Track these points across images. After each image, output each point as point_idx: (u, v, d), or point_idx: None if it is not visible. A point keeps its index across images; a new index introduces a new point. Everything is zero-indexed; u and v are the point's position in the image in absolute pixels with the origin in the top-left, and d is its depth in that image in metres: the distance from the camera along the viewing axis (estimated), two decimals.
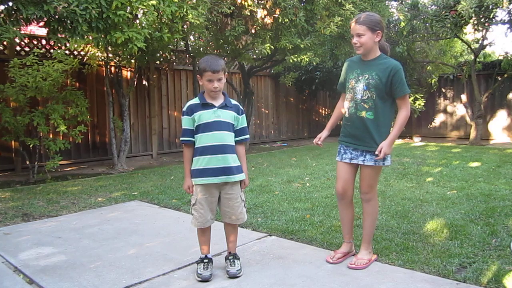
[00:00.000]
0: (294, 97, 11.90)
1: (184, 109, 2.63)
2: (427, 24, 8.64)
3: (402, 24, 9.21)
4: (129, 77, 7.81)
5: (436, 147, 8.80)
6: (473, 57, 9.63)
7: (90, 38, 5.62)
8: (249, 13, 6.80)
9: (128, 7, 4.80)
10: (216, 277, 2.61)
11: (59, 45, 4.96)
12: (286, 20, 6.94)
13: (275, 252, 3.00)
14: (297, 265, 2.77)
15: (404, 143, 9.99)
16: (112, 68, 7.36)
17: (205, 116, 2.58)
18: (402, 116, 2.67)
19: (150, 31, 5.35)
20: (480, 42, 9.64)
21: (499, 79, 9.73)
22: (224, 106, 2.62)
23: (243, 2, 6.63)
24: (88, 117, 6.41)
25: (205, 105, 2.59)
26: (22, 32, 4.99)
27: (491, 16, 7.66)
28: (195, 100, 2.65)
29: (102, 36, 4.97)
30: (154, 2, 4.99)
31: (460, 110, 10.65)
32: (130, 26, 5.01)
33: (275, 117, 11.41)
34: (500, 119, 10.13)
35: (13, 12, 4.38)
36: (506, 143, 9.54)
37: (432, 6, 8.87)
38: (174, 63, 8.83)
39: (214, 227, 2.77)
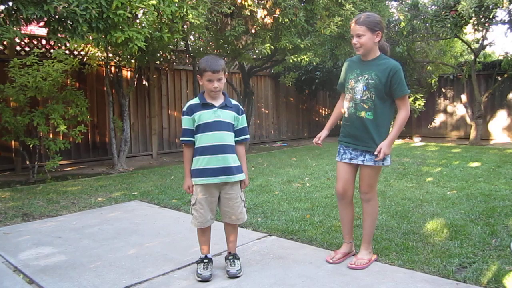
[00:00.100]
0: (294, 97, 11.90)
1: (184, 109, 2.64)
2: (427, 24, 8.64)
3: (402, 24, 9.21)
4: (129, 77, 7.81)
5: (436, 147, 8.80)
6: (473, 57, 9.63)
7: (90, 38, 5.62)
8: (249, 13, 6.81)
9: (128, 7, 4.80)
10: (216, 277, 2.61)
11: (59, 45, 4.95)
12: (286, 20, 6.94)
13: (275, 252, 3.00)
14: (297, 265, 2.77)
15: (404, 143, 9.99)
16: (112, 68, 7.36)
17: (205, 116, 2.58)
18: (401, 117, 2.67)
19: (150, 31, 5.35)
20: (480, 42, 9.65)
21: (499, 79, 9.73)
22: (224, 106, 2.62)
23: (243, 2, 6.63)
24: (88, 117, 6.41)
25: (205, 105, 2.59)
26: (22, 32, 4.98)
27: (491, 16, 7.66)
28: (195, 100, 2.65)
29: (102, 36, 4.97)
30: (154, 2, 4.99)
31: (460, 110, 10.66)
32: (130, 25, 5.01)
33: (275, 117, 11.41)
34: (500, 119, 10.13)
35: (13, 12, 4.38)
36: (506, 143, 9.54)
37: (432, 6, 8.87)
38: (174, 63, 8.83)
39: (214, 227, 2.77)
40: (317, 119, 12.64)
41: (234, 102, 2.72)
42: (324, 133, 2.93)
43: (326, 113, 12.61)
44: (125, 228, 3.65)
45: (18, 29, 4.58)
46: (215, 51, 8.07)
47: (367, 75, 2.68)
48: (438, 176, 5.52)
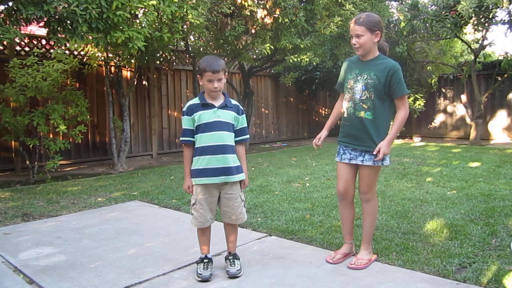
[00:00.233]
0: (294, 97, 11.90)
1: (184, 109, 2.64)
2: (427, 24, 8.64)
3: (402, 24, 9.21)
4: (129, 77, 7.81)
5: (436, 147, 8.80)
6: (473, 57, 9.63)
7: (90, 38, 5.62)
8: (249, 13, 6.81)
9: (128, 7, 4.80)
10: (216, 277, 2.61)
11: (59, 45, 4.95)
12: (286, 20, 6.94)
13: (275, 252, 3.00)
14: (297, 265, 2.77)
15: (404, 143, 9.99)
16: (112, 68, 7.36)
17: (205, 116, 2.58)
18: (400, 116, 2.67)
19: (150, 31, 5.35)
20: (480, 42, 9.65)
21: (499, 79, 9.73)
22: (224, 106, 2.62)
23: (243, 2, 6.63)
24: (88, 117, 6.41)
25: (205, 105, 2.59)
26: (22, 32, 4.98)
27: (490, 16, 7.66)
28: (195, 100, 2.65)
29: (102, 36, 4.97)
30: (154, 2, 4.99)
31: (460, 110, 10.65)
32: (130, 25, 5.01)
33: (275, 117, 11.41)
34: (500, 119, 10.13)
35: (13, 12, 4.38)
36: (506, 143, 9.54)
37: (432, 6, 8.86)
38: (174, 63, 8.83)
39: (214, 227, 2.77)
40: (317, 119, 12.64)
41: (234, 102, 2.71)
42: (323, 133, 2.93)
43: (326, 113, 12.62)
44: (125, 228, 3.65)
45: (18, 29, 4.58)
46: (215, 51, 8.07)
47: (366, 75, 2.68)
48: (438, 176, 5.52)
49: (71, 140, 6.46)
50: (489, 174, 5.56)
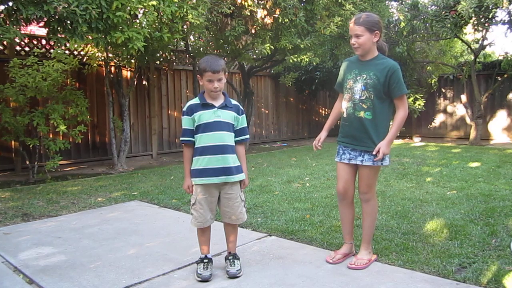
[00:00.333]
0: (294, 97, 11.90)
1: (184, 109, 2.64)
2: (427, 24, 8.64)
3: (402, 24, 9.21)
4: (129, 77, 7.81)
5: (436, 147, 8.80)
6: (473, 57, 9.63)
7: (90, 38, 5.62)
8: (249, 13, 6.81)
9: (128, 7, 4.80)
10: (216, 277, 2.61)
11: (59, 45, 4.95)
12: (286, 20, 6.94)
13: (275, 252, 3.00)
14: (297, 265, 2.77)
15: (404, 143, 9.99)
16: (112, 68, 7.35)
17: (205, 116, 2.58)
18: (400, 116, 2.68)
19: (150, 31, 5.36)
20: (480, 42, 9.65)
21: (499, 79, 9.73)
22: (224, 106, 2.62)
23: (243, 2, 6.63)
24: (88, 117, 6.41)
25: (205, 105, 2.59)
26: (22, 32, 4.99)
27: (490, 16, 7.66)
28: (195, 100, 2.65)
29: (102, 36, 4.97)
30: (154, 3, 4.99)
31: (460, 110, 10.65)
32: (130, 26, 5.01)
33: (275, 117, 11.41)
34: (500, 119, 10.13)
35: (13, 12, 4.38)
36: (506, 143, 9.54)
37: (432, 6, 8.87)
38: (174, 63, 8.83)
39: (214, 227, 2.77)
40: (317, 119, 12.65)
41: (234, 102, 2.72)
42: (323, 134, 2.93)
43: (326, 113, 12.62)
44: (125, 228, 3.65)
45: (18, 29, 4.58)
46: (215, 51, 8.07)
47: (366, 75, 2.68)
48: (438, 176, 5.52)
49: (71, 140, 6.46)
50: (489, 174, 5.56)
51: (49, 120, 5.86)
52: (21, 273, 2.72)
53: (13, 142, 6.37)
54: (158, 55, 7.54)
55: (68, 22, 4.55)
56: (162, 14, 5.35)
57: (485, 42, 9.58)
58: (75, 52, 7.12)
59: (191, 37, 8.53)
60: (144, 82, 8.20)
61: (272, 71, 11.03)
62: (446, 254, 2.85)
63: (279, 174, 6.03)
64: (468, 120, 9.88)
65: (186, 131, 2.61)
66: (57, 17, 4.48)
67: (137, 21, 5.34)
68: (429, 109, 10.98)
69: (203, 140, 2.58)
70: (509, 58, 9.28)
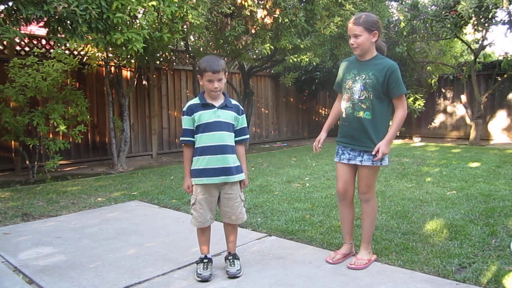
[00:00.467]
0: (294, 97, 11.90)
1: (184, 109, 2.64)
2: (427, 25, 8.64)
3: (402, 24, 9.21)
4: (129, 77, 7.81)
5: (436, 147, 8.80)
6: (473, 58, 9.63)
7: (90, 38, 5.62)
8: (249, 13, 6.81)
9: (129, 7, 4.80)
10: (215, 277, 2.61)
11: (59, 45, 4.95)
12: (286, 20, 6.94)
13: (275, 252, 3.01)
14: (297, 265, 2.77)
15: (403, 143, 9.99)
16: (112, 68, 7.35)
17: (205, 116, 2.58)
18: (399, 116, 2.68)
19: (149, 31, 5.36)
20: (480, 42, 9.64)
21: (499, 79, 9.73)
22: (224, 107, 2.62)
23: (243, 2, 6.63)
24: (88, 117, 6.41)
25: (205, 105, 2.59)
26: (22, 32, 4.99)
27: (490, 17, 7.66)
28: (195, 100, 2.65)
29: (102, 36, 4.97)
30: (154, 3, 4.99)
31: (460, 110, 10.65)
32: (130, 27, 5.01)
33: (275, 117, 11.41)
34: (500, 119, 10.13)
35: (13, 12, 4.38)
36: (506, 143, 9.54)
37: (432, 6, 8.87)
38: (174, 63, 8.83)
39: (214, 227, 2.77)
40: (317, 119, 12.65)
41: (234, 102, 2.72)
42: (323, 135, 2.93)
43: (326, 113, 12.62)
44: (125, 228, 3.65)
45: (18, 29, 4.58)
46: (215, 51, 8.07)
47: (365, 75, 2.68)
48: (438, 176, 5.52)
49: (71, 140, 6.46)
50: (489, 174, 5.56)
51: (49, 120, 5.87)
52: (21, 273, 2.72)
53: (13, 142, 6.38)
54: (158, 55, 7.54)
55: (68, 22, 4.55)
56: (162, 14, 5.35)
57: (485, 42, 9.58)
58: (75, 52, 7.12)
59: (191, 37, 8.54)
60: (144, 82, 8.20)
61: (272, 71, 11.03)
62: (446, 254, 2.85)
63: (279, 174, 6.03)
64: (468, 120, 9.88)
65: (186, 131, 2.61)
66: (57, 17, 4.48)
67: (137, 21, 5.34)
68: (429, 109, 10.97)
69: (203, 140, 2.58)
70: (509, 58, 9.28)
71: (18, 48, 6.66)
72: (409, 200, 4.30)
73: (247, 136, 2.75)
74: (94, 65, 6.94)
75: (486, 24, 8.00)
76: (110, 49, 6.44)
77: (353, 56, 2.83)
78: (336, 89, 2.94)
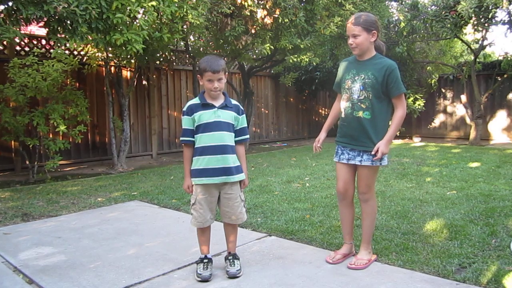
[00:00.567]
0: (294, 97, 11.90)
1: (184, 109, 2.64)
2: (427, 25, 8.64)
3: (402, 24, 9.21)
4: (129, 77, 7.81)
5: (436, 147, 8.80)
6: (473, 58, 9.63)
7: (90, 38, 5.62)
8: (249, 13, 6.81)
9: (128, 7, 4.80)
10: (215, 277, 2.61)
11: (58, 45, 4.95)
12: (286, 20, 6.94)
13: (275, 252, 3.01)
14: (297, 265, 2.77)
15: (403, 143, 9.99)
16: (112, 68, 7.35)
17: (205, 116, 2.58)
18: (398, 116, 2.68)
19: (149, 32, 5.35)
20: (480, 42, 9.64)
21: (499, 79, 9.73)
22: (224, 107, 2.62)
23: (243, 2, 6.63)
24: (88, 117, 6.41)
25: (205, 105, 2.59)
26: (22, 32, 4.98)
27: (490, 17, 7.66)
28: (196, 100, 2.65)
29: (102, 36, 4.97)
30: (154, 3, 4.99)
31: (460, 110, 10.66)
32: (129, 27, 5.01)
33: (275, 117, 11.41)
34: (500, 119, 10.13)
35: (13, 12, 4.38)
36: (506, 143, 9.54)
37: (432, 6, 8.87)
38: (174, 63, 8.83)
39: (214, 227, 2.77)
40: (317, 119, 12.65)
41: (234, 102, 2.72)
42: (322, 135, 2.93)
43: (326, 113, 12.62)
44: (125, 228, 3.65)
45: (18, 29, 4.58)
46: (215, 51, 8.07)
47: (364, 74, 2.68)
48: (438, 176, 5.52)
49: (71, 140, 6.46)
50: (489, 175, 5.56)
51: (49, 120, 5.87)
52: (21, 273, 2.72)
53: (13, 142, 6.37)
54: (158, 55, 7.54)
55: (68, 22, 4.55)
56: (162, 14, 5.35)
57: (485, 42, 9.58)
58: (75, 52, 7.12)
59: (191, 37, 8.53)
60: (144, 82, 8.20)
61: (272, 71, 11.03)
62: (446, 254, 2.85)
63: (279, 174, 6.03)
64: (468, 120, 9.88)
65: (186, 131, 2.61)
66: (57, 17, 4.48)
67: (137, 21, 5.34)
68: (429, 109, 10.97)
69: (203, 140, 2.58)
70: (509, 58, 9.28)
71: (18, 48, 6.66)
72: (409, 200, 4.30)
73: (247, 136, 2.75)
74: (94, 65, 6.94)
75: (486, 24, 8.00)
76: (110, 49, 6.43)
77: (352, 56, 2.84)
78: (335, 89, 2.94)
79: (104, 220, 3.91)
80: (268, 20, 6.96)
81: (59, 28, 4.61)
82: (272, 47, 7.17)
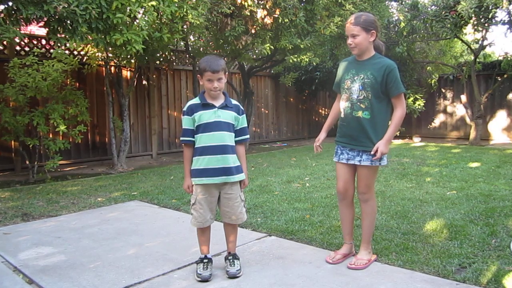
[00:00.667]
0: (294, 97, 11.90)
1: (185, 109, 2.64)
2: (427, 25, 8.64)
3: (402, 24, 9.21)
4: (129, 77, 7.81)
5: (436, 148, 8.80)
6: (473, 58, 9.63)
7: (90, 38, 5.62)
8: (249, 13, 6.81)
9: (128, 8, 4.80)
10: (215, 277, 2.61)
11: (58, 45, 4.95)
12: (286, 20, 6.94)
13: (274, 252, 3.00)
14: (296, 265, 2.77)
15: (403, 143, 9.99)
16: (112, 68, 7.36)
17: (205, 116, 2.58)
18: (397, 115, 2.67)
19: (149, 32, 5.35)
20: (480, 42, 9.64)
21: (499, 79, 9.73)
22: (224, 106, 2.62)
23: (243, 2, 6.63)
24: (88, 117, 6.41)
25: (206, 105, 2.59)
26: (22, 32, 4.98)
27: (490, 17, 7.66)
28: (196, 100, 2.65)
29: (102, 36, 4.97)
30: (154, 3, 4.99)
31: (460, 110, 10.66)
32: (129, 27, 5.01)
33: (275, 117, 11.41)
34: (499, 119, 10.13)
35: (13, 12, 4.38)
36: (506, 143, 9.54)
37: (432, 6, 8.87)
38: (174, 63, 8.83)
39: (214, 227, 2.77)
40: (317, 119, 12.65)
41: (234, 102, 2.72)
42: (322, 135, 2.93)
43: (326, 113, 12.62)
44: (125, 228, 3.65)
45: (18, 29, 4.58)
46: (215, 51, 8.07)
47: (363, 74, 2.68)
48: (438, 176, 5.52)
49: (71, 140, 6.46)
50: (489, 175, 5.56)
51: (49, 120, 5.86)
52: (21, 273, 2.72)
53: (13, 142, 6.37)
54: (158, 55, 7.54)
55: (68, 22, 4.55)
56: (162, 14, 5.35)
57: (485, 42, 9.58)
58: (75, 52, 7.12)
59: (191, 37, 8.53)
60: (144, 82, 8.20)
61: (272, 71, 11.03)
62: (446, 254, 2.85)
63: (279, 174, 6.03)
64: (468, 120, 9.88)
65: (186, 131, 2.61)
66: (57, 17, 4.47)
67: (137, 21, 5.34)
68: (429, 109, 10.97)
69: (203, 140, 2.58)
70: (509, 58, 9.28)
71: (18, 48, 6.66)
72: (409, 200, 4.30)
73: (247, 136, 2.75)
74: (94, 65, 6.94)
75: (486, 24, 8.01)
76: (110, 49, 6.44)
77: (352, 56, 2.84)
78: (335, 89, 2.94)
79: (104, 220, 3.91)
80: (268, 20, 6.96)
81: (59, 28, 4.61)
82: (272, 47, 7.17)
